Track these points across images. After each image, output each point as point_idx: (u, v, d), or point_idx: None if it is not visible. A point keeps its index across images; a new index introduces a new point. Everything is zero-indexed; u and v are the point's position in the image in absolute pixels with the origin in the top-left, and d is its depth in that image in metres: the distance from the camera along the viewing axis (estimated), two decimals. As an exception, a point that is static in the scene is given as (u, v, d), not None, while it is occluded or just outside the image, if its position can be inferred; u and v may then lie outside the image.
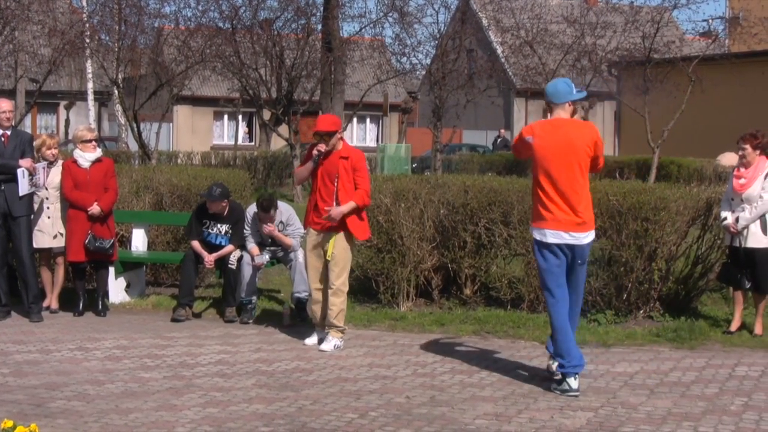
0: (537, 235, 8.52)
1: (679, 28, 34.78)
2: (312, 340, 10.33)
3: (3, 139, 11.49)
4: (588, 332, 10.67)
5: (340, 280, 9.99)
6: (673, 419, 7.62)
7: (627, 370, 9.14)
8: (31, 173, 11.44)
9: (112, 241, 11.93)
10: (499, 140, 43.44)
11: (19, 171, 11.35)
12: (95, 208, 11.72)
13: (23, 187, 11.39)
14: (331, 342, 10.04)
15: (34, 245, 11.92)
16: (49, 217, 11.97)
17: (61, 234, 11.99)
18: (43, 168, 11.62)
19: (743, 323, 10.86)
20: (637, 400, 8.10)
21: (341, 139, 10.13)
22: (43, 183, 11.63)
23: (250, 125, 50.66)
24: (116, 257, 12.20)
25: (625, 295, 11.28)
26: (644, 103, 28.05)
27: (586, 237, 8.53)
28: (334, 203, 9.87)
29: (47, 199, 11.98)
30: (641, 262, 11.07)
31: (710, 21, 35.35)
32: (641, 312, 11.37)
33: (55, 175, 11.98)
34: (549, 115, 8.70)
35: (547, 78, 31.97)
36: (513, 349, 10.14)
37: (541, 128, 8.68)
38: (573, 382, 8.24)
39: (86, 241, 11.73)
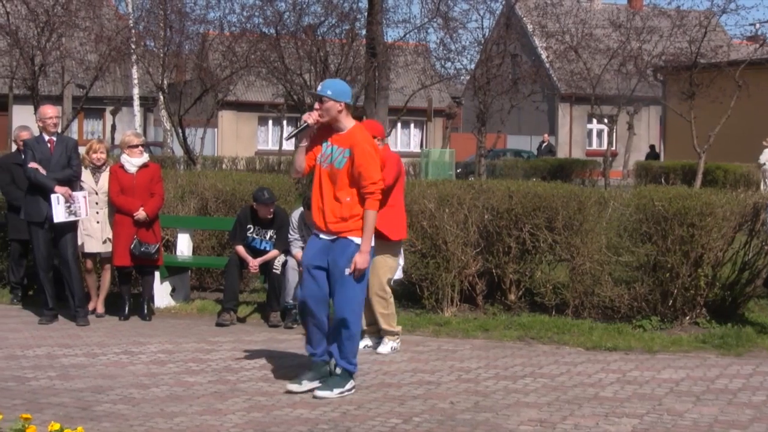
0: None
1: (726, 33, 34.55)
2: (360, 344, 10.33)
3: (49, 144, 11.59)
4: (633, 338, 10.61)
5: (377, 285, 9.98)
6: (720, 427, 7.55)
7: (673, 377, 9.07)
8: (68, 200, 11.47)
9: (157, 246, 11.98)
10: (543, 145, 43.37)
11: (53, 197, 11.40)
12: (141, 213, 11.78)
13: (58, 214, 11.40)
14: (387, 345, 10.07)
15: (85, 250, 12.01)
16: (98, 222, 12.05)
17: (110, 239, 12.06)
18: (84, 197, 11.63)
19: (791, 330, 10.76)
20: (683, 407, 8.04)
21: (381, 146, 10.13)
22: (85, 213, 11.62)
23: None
24: (161, 262, 12.26)
25: (671, 302, 11.20)
26: (690, 107, 27.88)
27: None
28: None
29: (97, 203, 12.06)
30: (687, 268, 10.99)
31: (757, 25, 35.07)
32: (687, 318, 11.29)
33: (105, 181, 12.06)
34: (341, 120, 8.38)
35: (592, 83, 31.93)
36: (557, 355, 10.10)
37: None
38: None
39: (132, 245, 11.80)
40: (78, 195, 11.56)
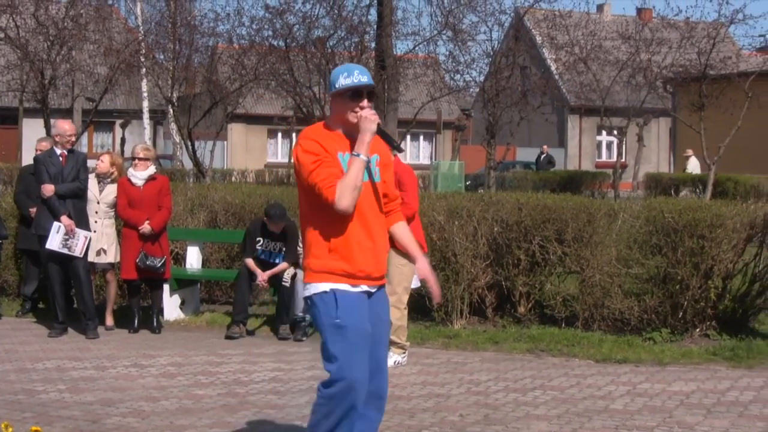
0: None
1: (735, 44, 34.52)
2: None
3: (61, 158, 11.63)
4: (643, 351, 10.58)
5: (394, 297, 9.97)
6: (731, 439, 7.53)
7: (683, 389, 9.04)
8: (68, 233, 11.50)
9: (163, 259, 11.97)
10: (543, 157, 43.16)
11: (56, 225, 11.46)
12: (145, 227, 11.79)
13: (52, 242, 11.45)
14: (391, 358, 10.04)
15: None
16: (94, 231, 12.03)
17: (105, 251, 12.09)
18: (85, 237, 11.64)
19: (802, 342, 10.73)
20: (694, 420, 8.01)
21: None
22: (79, 252, 11.59)
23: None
24: (169, 275, 12.25)
25: (681, 314, 11.17)
26: (700, 119, 27.84)
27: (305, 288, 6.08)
28: None
29: (96, 213, 12.07)
30: (697, 279, 10.96)
31: (767, 36, 35.00)
32: (697, 330, 11.25)
33: (109, 192, 12.09)
34: None
35: (602, 95, 31.90)
36: (567, 367, 10.08)
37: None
38: None
39: (137, 259, 11.81)
40: (80, 233, 11.59)
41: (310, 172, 5.73)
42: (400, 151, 6.23)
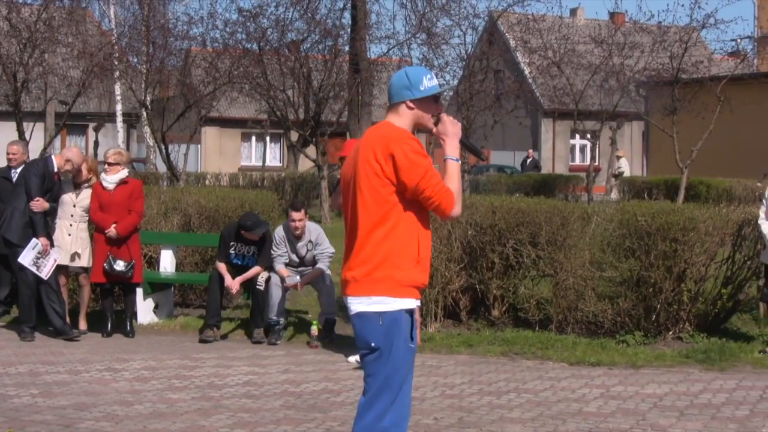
0: None
1: (707, 48, 34.67)
2: (355, 357, 10.30)
3: (55, 176, 11.72)
4: (617, 353, 10.62)
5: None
6: (704, 441, 7.56)
7: (656, 392, 9.08)
8: (40, 253, 11.49)
9: (131, 263, 11.87)
10: (528, 161, 43.37)
11: (33, 241, 11.45)
12: (111, 231, 11.73)
13: (25, 257, 11.45)
14: (357, 355, 10.03)
15: None
16: (69, 235, 11.99)
17: (79, 255, 12.03)
18: (55, 260, 11.64)
19: (775, 344, 10.80)
20: (667, 422, 8.04)
21: None
22: (45, 275, 11.56)
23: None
24: (139, 279, 12.15)
25: (654, 316, 11.22)
26: (672, 123, 27.96)
27: (358, 302, 5.31)
28: None
29: (72, 216, 12.03)
30: (670, 282, 11.01)
31: (738, 40, 35.12)
32: (670, 333, 11.30)
33: (85, 196, 12.04)
34: None
35: (575, 98, 31.99)
36: (541, 370, 10.10)
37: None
38: None
39: (104, 262, 11.76)
40: (52, 254, 11.61)
41: (423, 175, 5.24)
42: (484, 159, 5.96)
